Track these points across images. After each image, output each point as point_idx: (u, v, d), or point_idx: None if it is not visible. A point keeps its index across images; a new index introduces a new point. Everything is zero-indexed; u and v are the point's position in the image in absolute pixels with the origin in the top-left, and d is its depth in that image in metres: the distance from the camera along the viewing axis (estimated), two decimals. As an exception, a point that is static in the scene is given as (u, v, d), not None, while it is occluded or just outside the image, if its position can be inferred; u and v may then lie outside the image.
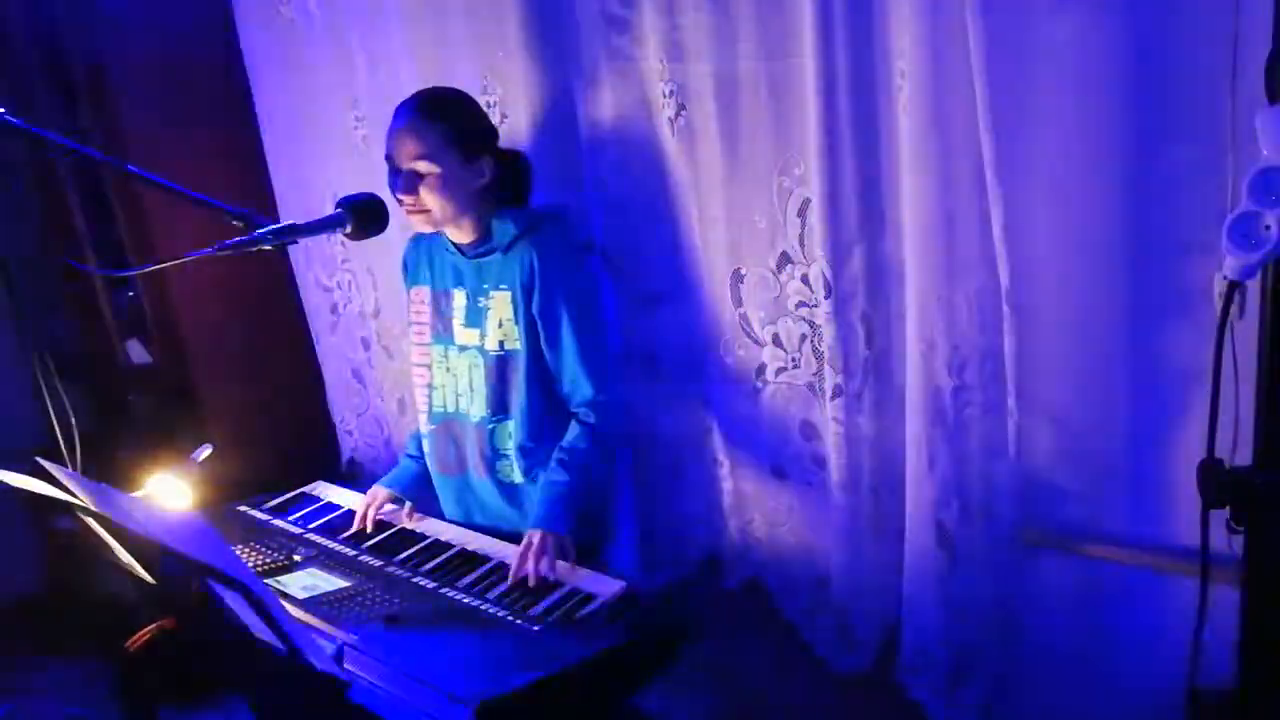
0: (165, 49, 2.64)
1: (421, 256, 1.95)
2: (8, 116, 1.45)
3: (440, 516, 2.01)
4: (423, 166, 1.71)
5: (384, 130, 1.76)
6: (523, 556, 1.69)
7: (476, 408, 1.89)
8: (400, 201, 1.75)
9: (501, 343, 1.84)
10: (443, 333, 1.91)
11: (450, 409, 1.93)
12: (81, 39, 2.57)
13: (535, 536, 1.71)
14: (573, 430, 1.84)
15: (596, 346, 1.83)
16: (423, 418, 1.99)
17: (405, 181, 1.73)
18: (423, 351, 1.96)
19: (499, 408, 1.87)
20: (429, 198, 1.73)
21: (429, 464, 2.01)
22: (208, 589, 1.34)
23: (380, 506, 1.98)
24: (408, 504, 2.00)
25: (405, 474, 2.05)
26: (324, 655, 1.36)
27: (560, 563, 1.70)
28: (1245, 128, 1.30)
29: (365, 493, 2.06)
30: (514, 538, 1.83)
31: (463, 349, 1.89)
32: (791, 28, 1.57)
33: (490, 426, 1.88)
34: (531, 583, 1.65)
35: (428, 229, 1.83)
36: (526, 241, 1.79)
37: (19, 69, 2.73)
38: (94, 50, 2.55)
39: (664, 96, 1.80)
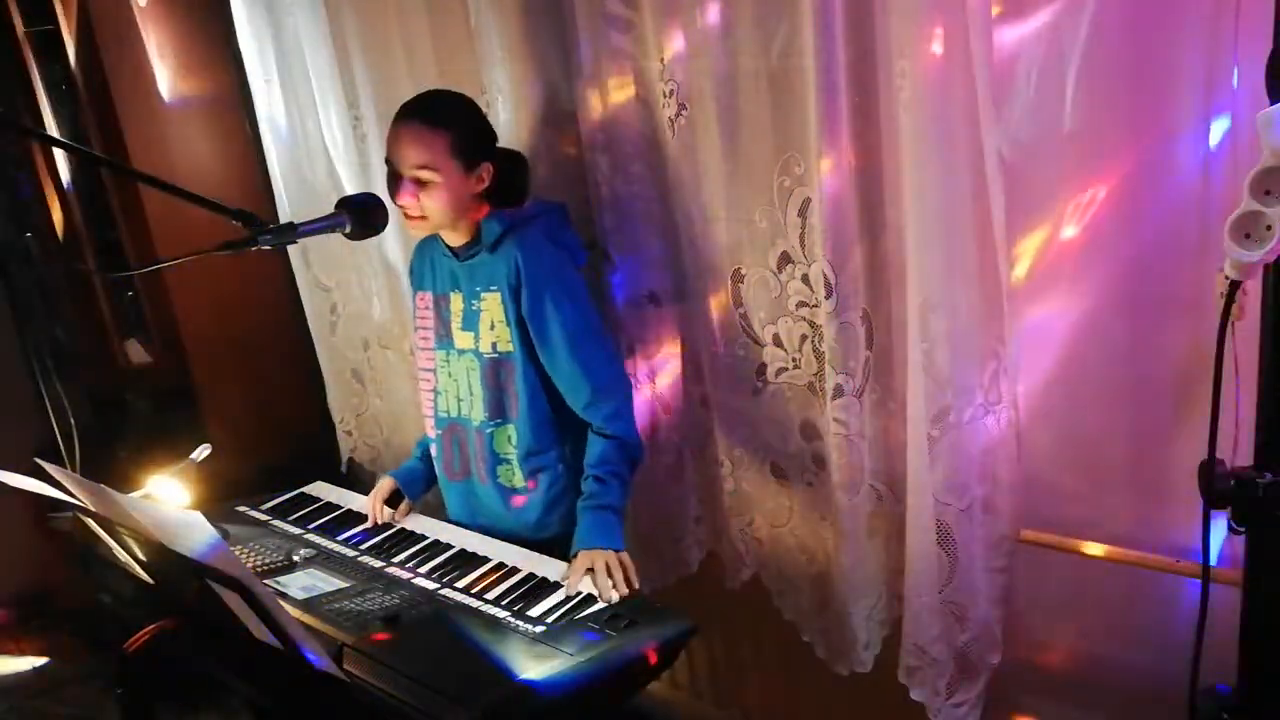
0: (166, 50, 2.64)
1: (425, 261, 1.95)
2: (8, 116, 1.45)
3: (444, 519, 2.01)
4: (425, 175, 1.71)
5: (383, 129, 1.76)
6: (591, 578, 1.64)
7: (476, 412, 1.88)
8: (400, 207, 1.75)
9: (495, 344, 1.83)
10: (444, 337, 1.91)
11: (454, 413, 1.93)
12: (82, 40, 2.57)
13: (598, 558, 1.65)
14: (597, 445, 1.81)
15: (594, 345, 1.80)
16: (429, 422, 1.99)
17: (406, 188, 1.73)
18: (428, 356, 1.95)
19: (496, 411, 1.86)
20: (430, 205, 1.73)
21: (436, 468, 2.01)
22: (207, 589, 1.34)
23: (386, 494, 1.98)
24: (405, 501, 2.00)
25: (411, 469, 2.06)
26: (323, 655, 1.36)
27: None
28: (1245, 126, 1.30)
29: (365, 493, 2.06)
30: (516, 540, 1.83)
31: (461, 353, 1.89)
32: (792, 27, 1.57)
33: (489, 431, 1.87)
34: (615, 598, 1.60)
35: (425, 232, 1.83)
36: (511, 240, 1.78)
37: (20, 69, 2.73)
38: (95, 50, 2.56)
39: (664, 96, 1.80)
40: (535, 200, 1.90)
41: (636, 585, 1.65)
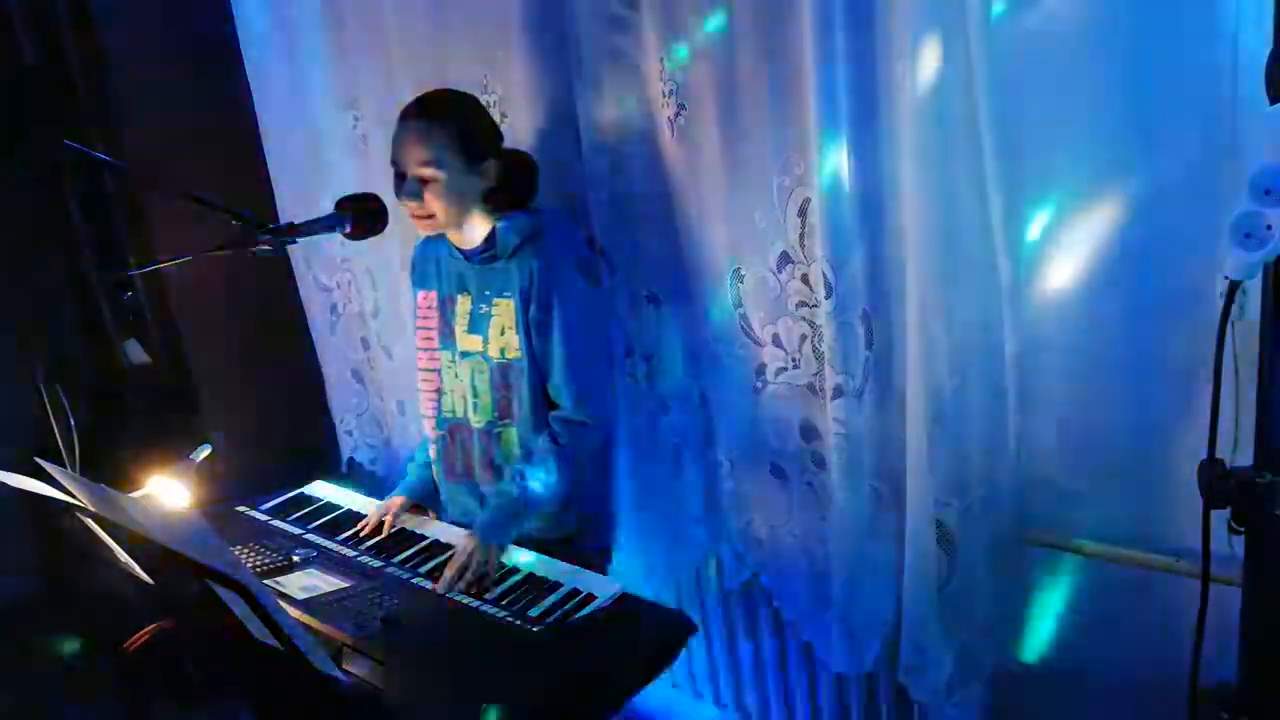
0: (166, 48, 2.64)
1: (429, 261, 1.94)
2: (7, 116, 1.45)
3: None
4: (427, 172, 1.71)
5: (384, 129, 1.77)
6: (461, 567, 1.69)
7: (480, 414, 1.88)
8: (406, 207, 1.75)
9: (503, 350, 1.83)
10: (448, 338, 1.91)
11: (458, 414, 1.92)
12: (83, 38, 2.57)
13: (475, 548, 1.71)
14: (547, 452, 1.80)
15: (586, 362, 1.81)
16: (429, 423, 1.98)
17: (410, 187, 1.73)
18: (430, 357, 1.95)
19: (502, 414, 1.86)
20: (434, 203, 1.73)
21: (435, 469, 2.00)
22: (207, 589, 1.34)
23: (398, 516, 1.96)
24: (431, 514, 2.00)
25: (422, 482, 2.04)
26: (323, 656, 1.36)
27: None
28: (1246, 127, 1.30)
29: (363, 493, 2.06)
30: (519, 540, 1.83)
31: (465, 354, 1.88)
32: (792, 27, 1.57)
33: (496, 432, 1.87)
34: (458, 590, 1.65)
35: (432, 232, 1.83)
36: (530, 248, 1.79)
37: (19, 69, 2.72)
38: (95, 50, 2.55)
39: (664, 96, 1.80)
40: (545, 207, 1.90)
41: (484, 591, 1.67)
